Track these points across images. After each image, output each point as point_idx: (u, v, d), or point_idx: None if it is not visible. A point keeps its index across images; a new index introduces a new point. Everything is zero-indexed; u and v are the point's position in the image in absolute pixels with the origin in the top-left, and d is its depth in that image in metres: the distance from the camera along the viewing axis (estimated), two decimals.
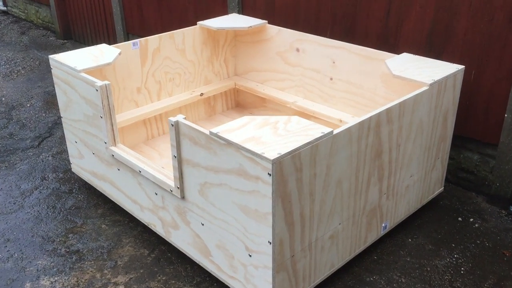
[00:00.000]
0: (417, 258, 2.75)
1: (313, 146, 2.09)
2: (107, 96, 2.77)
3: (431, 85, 2.64)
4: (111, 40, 5.81)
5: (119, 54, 3.15)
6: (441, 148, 2.98)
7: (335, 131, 2.18)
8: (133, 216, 3.03)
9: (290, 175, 2.05)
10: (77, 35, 6.52)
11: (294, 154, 2.03)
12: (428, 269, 2.69)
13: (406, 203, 2.88)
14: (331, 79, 3.48)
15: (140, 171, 2.71)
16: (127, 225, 3.06)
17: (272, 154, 1.97)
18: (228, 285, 2.48)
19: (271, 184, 1.99)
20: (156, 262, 2.76)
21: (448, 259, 2.75)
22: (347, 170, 2.34)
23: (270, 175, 1.97)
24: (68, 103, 3.12)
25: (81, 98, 2.96)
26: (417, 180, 2.88)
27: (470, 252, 2.80)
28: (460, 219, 3.06)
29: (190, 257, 2.66)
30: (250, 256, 2.24)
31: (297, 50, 3.62)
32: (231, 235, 2.31)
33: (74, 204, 3.27)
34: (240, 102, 4.20)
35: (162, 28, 5.01)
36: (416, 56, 3.01)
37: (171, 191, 2.53)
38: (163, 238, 2.82)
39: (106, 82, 2.76)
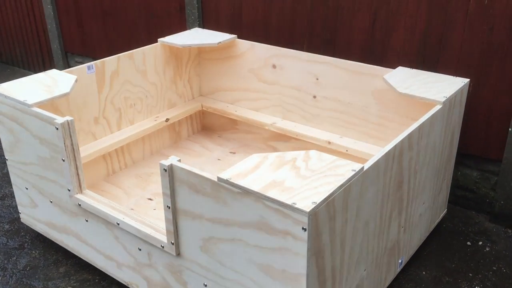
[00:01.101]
0: None
1: (346, 188, 1.75)
2: (70, 135, 2.29)
3: (444, 103, 2.38)
4: (46, 61, 5.20)
5: (76, 81, 2.66)
6: (447, 168, 2.74)
7: (365, 167, 1.85)
8: (106, 273, 2.54)
9: (324, 227, 1.69)
10: (4, 56, 5.82)
11: (329, 201, 1.67)
12: None
13: (419, 233, 2.61)
14: (314, 97, 3.16)
15: (118, 223, 2.24)
16: (98, 284, 2.57)
17: (306, 204, 1.60)
18: None
19: (306, 241, 1.62)
20: None
21: None
22: (374, 209, 2.01)
23: (305, 230, 1.60)
24: (16, 144, 2.59)
25: (34, 138, 2.45)
26: (427, 206, 2.61)
27: (490, 281, 2.56)
28: (469, 243, 2.83)
29: None
30: None
31: (274, 66, 3.27)
32: None
33: (29, 263, 2.73)
34: (207, 125, 3.79)
35: (108, 46, 4.50)
36: (414, 70, 2.76)
37: (163, 247, 2.10)
38: None
39: (68, 118, 2.27)
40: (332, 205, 1.69)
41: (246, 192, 1.71)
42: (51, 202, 2.59)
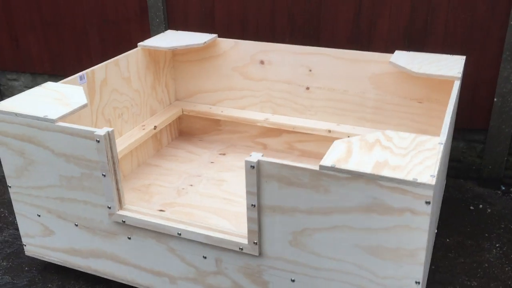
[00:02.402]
0: (468, 257, 2.66)
1: (440, 161, 1.82)
2: (111, 147, 2.10)
3: (460, 78, 2.56)
4: None
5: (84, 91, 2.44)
6: (451, 142, 2.94)
7: (440, 141, 1.94)
8: None
9: (434, 199, 1.75)
10: None
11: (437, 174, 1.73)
12: (486, 265, 2.61)
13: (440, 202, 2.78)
14: (307, 88, 3.21)
15: (179, 234, 2.11)
16: None
17: (428, 179, 1.65)
18: None
19: (429, 215, 1.67)
20: None
21: (494, 251, 2.71)
22: None
23: (428, 203, 1.65)
24: (27, 167, 2.31)
25: (56, 157, 2.21)
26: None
27: (505, 238, 2.81)
28: (471, 207, 3.07)
29: None
30: None
31: (261, 62, 3.26)
32: (345, 284, 1.91)
33: None
34: (184, 130, 3.67)
35: (50, 60, 4.14)
36: (411, 52, 2.92)
37: (241, 249, 2.01)
38: None
39: (108, 129, 2.09)
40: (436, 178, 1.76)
41: (356, 175, 1.71)
42: (76, 225, 2.35)
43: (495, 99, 3.06)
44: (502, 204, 3.09)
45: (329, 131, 3.14)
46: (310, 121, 3.24)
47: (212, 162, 3.34)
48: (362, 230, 1.79)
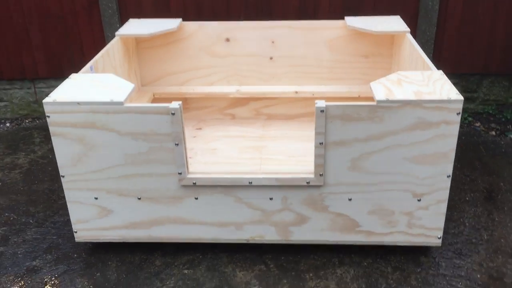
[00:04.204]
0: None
1: None
2: (181, 119, 2.39)
3: (409, 31, 3.28)
4: None
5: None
6: None
7: (441, 73, 2.60)
8: (207, 248, 2.69)
9: None
10: None
11: None
12: None
13: None
14: (271, 58, 3.69)
15: (250, 182, 2.49)
16: (204, 259, 2.70)
17: (455, 96, 2.29)
18: (381, 245, 2.64)
19: (459, 122, 2.31)
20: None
21: None
22: None
23: (458, 114, 2.30)
24: (87, 153, 2.46)
25: (121, 137, 2.41)
26: None
27: None
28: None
29: (321, 243, 2.65)
30: (419, 200, 2.50)
31: (227, 40, 3.65)
32: (393, 191, 2.49)
33: (125, 271, 2.63)
34: None
35: None
36: (359, 17, 3.57)
37: (308, 183, 2.47)
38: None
39: (178, 102, 2.36)
40: None
41: (405, 103, 2.28)
42: (139, 199, 2.57)
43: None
44: None
45: (296, 92, 3.67)
46: (276, 87, 3.73)
47: (194, 137, 3.65)
48: (408, 145, 2.38)
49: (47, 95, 4.23)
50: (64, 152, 2.47)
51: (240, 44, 3.63)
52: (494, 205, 3.10)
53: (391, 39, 3.54)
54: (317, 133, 2.36)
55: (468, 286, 2.50)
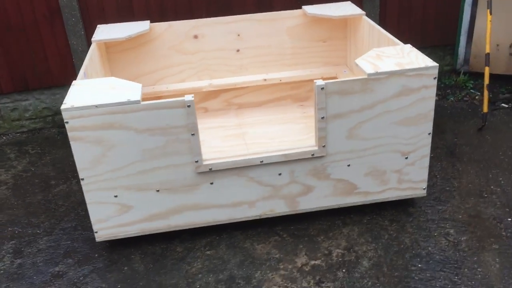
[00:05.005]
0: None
1: None
2: (195, 110, 2.58)
3: (365, 13, 3.65)
4: None
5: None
6: None
7: (409, 46, 2.98)
8: (224, 228, 2.90)
9: None
10: None
11: None
12: None
13: None
14: (238, 51, 3.93)
15: (262, 161, 2.73)
16: (222, 240, 2.91)
17: (432, 63, 2.67)
18: (376, 202, 2.98)
19: (435, 85, 2.70)
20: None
21: None
22: None
23: (435, 78, 2.68)
24: (106, 153, 2.58)
25: (139, 134, 2.56)
26: None
27: None
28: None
29: (325, 208, 2.95)
30: (407, 158, 2.87)
31: (195, 36, 3.84)
32: (385, 153, 2.83)
33: (149, 262, 2.77)
34: None
35: None
36: (317, 5, 3.89)
37: (313, 155, 2.75)
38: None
39: (191, 95, 2.55)
40: None
41: (391, 73, 2.63)
42: (158, 191, 2.72)
43: None
44: None
45: (265, 79, 3.94)
46: (246, 77, 3.98)
47: None
48: (395, 111, 2.73)
49: (12, 110, 4.17)
50: (83, 155, 2.57)
51: (207, 40, 3.83)
52: (455, 157, 3.56)
53: (344, 23, 3.90)
54: (319, 109, 2.65)
55: (454, 225, 2.91)
